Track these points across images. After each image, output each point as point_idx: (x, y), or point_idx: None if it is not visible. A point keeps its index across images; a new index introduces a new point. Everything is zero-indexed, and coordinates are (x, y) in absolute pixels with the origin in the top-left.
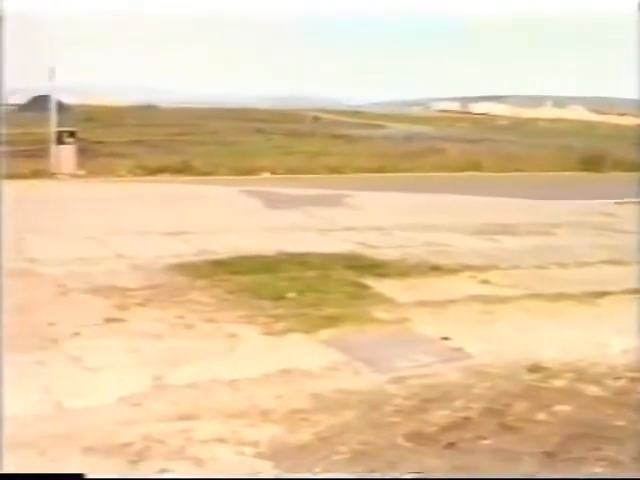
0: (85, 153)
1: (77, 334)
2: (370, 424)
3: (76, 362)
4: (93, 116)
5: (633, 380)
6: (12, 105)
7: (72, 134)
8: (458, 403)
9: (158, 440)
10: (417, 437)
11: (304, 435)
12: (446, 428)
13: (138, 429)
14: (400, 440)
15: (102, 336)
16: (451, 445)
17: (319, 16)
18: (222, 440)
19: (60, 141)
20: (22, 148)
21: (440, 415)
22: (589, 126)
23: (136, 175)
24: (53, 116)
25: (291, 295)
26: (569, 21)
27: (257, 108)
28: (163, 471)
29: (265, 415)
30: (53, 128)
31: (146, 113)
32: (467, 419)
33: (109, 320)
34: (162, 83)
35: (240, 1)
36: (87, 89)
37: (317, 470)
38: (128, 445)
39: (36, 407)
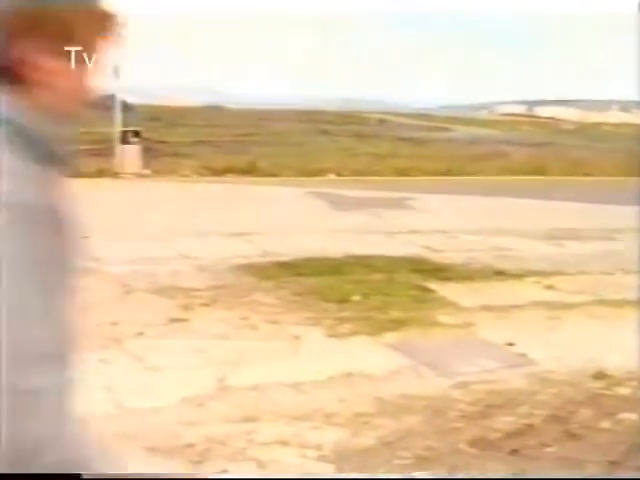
0: (150, 153)
1: (141, 334)
2: (433, 429)
3: (139, 362)
4: (158, 116)
5: None
6: None
7: (137, 134)
8: (522, 409)
9: (220, 442)
10: (480, 443)
11: (367, 439)
12: (510, 434)
13: (200, 430)
14: (463, 446)
15: (166, 336)
16: (515, 452)
17: (383, 14)
18: (285, 443)
19: (125, 141)
20: (86, 147)
21: (504, 421)
22: None
23: (201, 175)
24: (118, 115)
25: (356, 298)
26: None
27: (323, 110)
28: (224, 472)
29: (328, 418)
30: (118, 127)
31: (211, 114)
32: (531, 426)
33: (173, 320)
34: (228, 84)
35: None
36: (152, 89)
37: None
38: (190, 446)
39: (98, 406)
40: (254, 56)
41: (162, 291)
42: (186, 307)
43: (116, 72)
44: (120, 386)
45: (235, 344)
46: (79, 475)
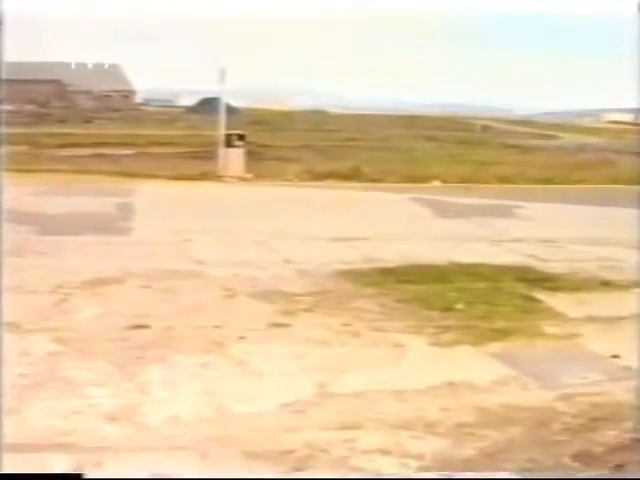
0: (253, 156)
1: (242, 338)
2: (537, 441)
3: (240, 366)
4: (262, 120)
5: None
6: (181, 107)
7: (241, 137)
8: (627, 424)
9: (321, 449)
10: (584, 457)
11: (469, 450)
12: (614, 449)
13: (300, 436)
14: (567, 459)
15: (267, 341)
16: (619, 467)
17: (483, 17)
18: (386, 451)
19: (229, 144)
20: (190, 150)
21: (609, 435)
22: None
23: (304, 180)
24: (222, 119)
25: (460, 306)
26: None
27: (427, 115)
28: None
29: (430, 427)
30: (222, 131)
31: (315, 118)
32: (636, 440)
33: (275, 325)
34: (331, 88)
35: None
36: (257, 92)
37: None
38: (290, 452)
39: (199, 410)
40: (355, 59)
41: (264, 295)
42: (288, 312)
43: (222, 75)
44: (221, 390)
45: (336, 351)
46: (80, 475)
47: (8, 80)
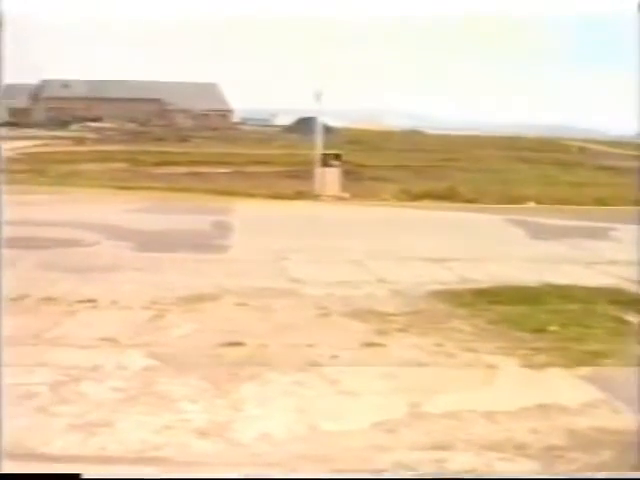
0: (349, 176)
1: (336, 357)
2: (627, 465)
3: (333, 385)
4: (357, 139)
5: None
6: (277, 126)
7: (337, 157)
8: None
9: (411, 468)
10: None
11: (559, 472)
12: None
13: (391, 456)
14: None
15: (360, 360)
16: None
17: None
18: (475, 472)
19: (325, 163)
20: (286, 169)
21: None
22: None
23: (400, 200)
24: (319, 138)
25: (553, 328)
26: None
27: (522, 136)
28: None
29: (520, 449)
30: (318, 150)
31: (410, 138)
32: None
33: (368, 344)
34: (425, 108)
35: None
36: (353, 112)
37: None
38: (380, 471)
39: (291, 427)
40: (448, 79)
41: (357, 315)
42: (381, 332)
43: (318, 95)
44: (313, 408)
45: (429, 371)
46: (78, 475)
47: (111, 98)
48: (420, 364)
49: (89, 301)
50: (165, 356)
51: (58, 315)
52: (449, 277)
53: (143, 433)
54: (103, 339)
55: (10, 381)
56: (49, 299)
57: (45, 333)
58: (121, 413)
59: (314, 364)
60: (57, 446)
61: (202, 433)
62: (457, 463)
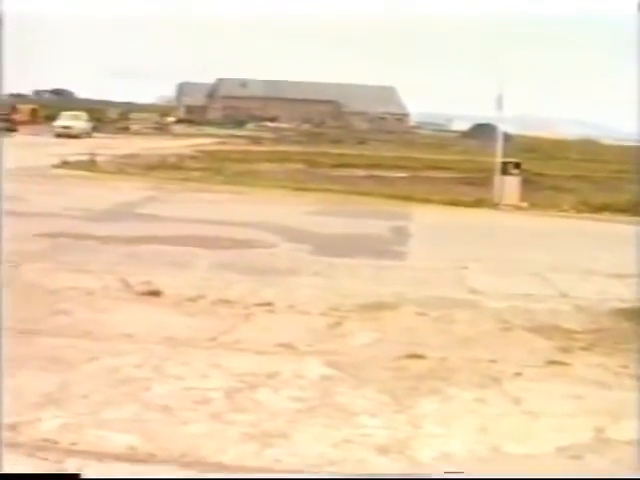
0: (527, 185)
1: (519, 374)
2: None
3: (516, 404)
4: (532, 147)
5: None
6: (454, 131)
7: (517, 165)
8: None
9: None
10: None
11: None
12: None
13: None
14: None
15: (544, 379)
16: None
17: None
18: None
19: (505, 172)
20: (464, 175)
21: None
22: None
23: (579, 211)
24: (499, 146)
25: None
26: None
27: None
28: None
29: None
30: (498, 158)
31: (586, 147)
32: None
33: (551, 362)
34: (599, 116)
35: None
36: (527, 119)
37: None
38: None
39: (472, 447)
40: (620, 84)
41: (540, 330)
42: (564, 349)
43: (499, 102)
44: (495, 428)
45: (615, 394)
46: (77, 475)
47: (287, 99)
48: (606, 386)
49: (266, 304)
50: (344, 365)
51: (234, 318)
52: (632, 294)
53: (320, 446)
54: (280, 345)
55: (185, 385)
56: (225, 301)
57: (221, 336)
58: (298, 424)
59: (496, 381)
60: (230, 456)
61: (381, 449)
62: None
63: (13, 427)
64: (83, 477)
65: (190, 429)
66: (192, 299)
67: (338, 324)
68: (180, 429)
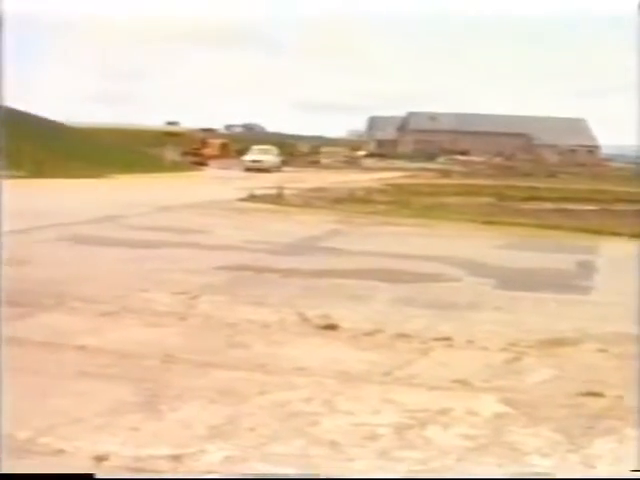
0: None
1: None
2: None
3: None
4: None
5: None
6: None
7: None
8: None
9: None
10: None
11: None
12: None
13: None
14: None
15: None
16: None
17: None
18: None
19: None
20: None
21: None
22: None
23: None
24: None
25: None
26: None
27: None
28: None
29: None
30: None
31: None
32: None
33: None
34: None
35: None
36: None
37: None
38: None
39: None
40: None
41: None
42: None
43: None
44: None
45: None
46: (91, 475)
47: (478, 132)
48: None
49: (444, 339)
50: (519, 403)
51: (411, 353)
52: None
53: None
54: (455, 381)
55: (355, 420)
56: (403, 335)
57: (396, 371)
58: (467, 462)
59: None
60: None
61: None
62: None
63: (176, 458)
64: (97, 477)
65: (355, 465)
66: (369, 333)
67: (516, 360)
68: (345, 465)
